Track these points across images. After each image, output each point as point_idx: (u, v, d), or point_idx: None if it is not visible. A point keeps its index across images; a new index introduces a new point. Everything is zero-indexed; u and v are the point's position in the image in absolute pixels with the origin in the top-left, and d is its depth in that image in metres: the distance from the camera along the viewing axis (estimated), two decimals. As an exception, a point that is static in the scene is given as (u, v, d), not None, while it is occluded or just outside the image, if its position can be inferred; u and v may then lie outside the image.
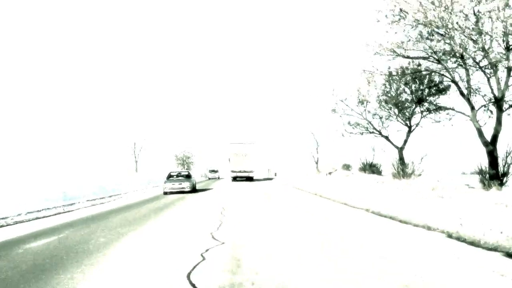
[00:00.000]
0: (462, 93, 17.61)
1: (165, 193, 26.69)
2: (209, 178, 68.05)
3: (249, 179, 47.25)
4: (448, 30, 15.54)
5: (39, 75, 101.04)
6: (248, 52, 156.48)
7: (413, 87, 24.93)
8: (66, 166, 53.50)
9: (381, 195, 19.27)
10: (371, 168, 35.56)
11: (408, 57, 18.26)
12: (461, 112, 18.97)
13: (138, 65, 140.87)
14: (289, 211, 15.12)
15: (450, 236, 9.23)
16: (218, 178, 68.56)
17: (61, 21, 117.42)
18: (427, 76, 23.46)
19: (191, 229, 10.60)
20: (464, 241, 8.61)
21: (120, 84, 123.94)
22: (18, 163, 50.80)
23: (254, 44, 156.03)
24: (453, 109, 20.41)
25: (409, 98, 25.85)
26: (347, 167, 43.96)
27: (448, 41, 16.47)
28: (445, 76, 19.00)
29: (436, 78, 23.96)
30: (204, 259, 7.02)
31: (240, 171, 46.51)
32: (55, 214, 16.64)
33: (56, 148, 63.52)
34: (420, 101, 24.37)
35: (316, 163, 52.10)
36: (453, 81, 17.72)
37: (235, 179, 47.63)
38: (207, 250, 7.71)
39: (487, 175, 17.21)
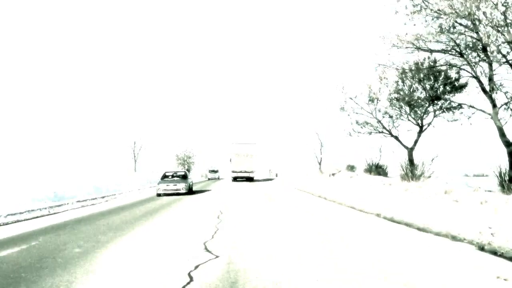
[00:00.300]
0: (484, 89, 16.29)
1: (159, 195, 24.70)
2: (209, 179, 66.44)
3: (249, 179, 47.33)
4: (473, 20, 14.27)
5: (37, 73, 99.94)
6: (252, 50, 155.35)
7: (427, 85, 23.53)
8: (62, 165, 52.20)
9: (391, 198, 17.97)
10: (377, 170, 34.24)
11: (428, 50, 16.95)
12: (481, 110, 17.59)
13: (140, 64, 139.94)
14: (293, 216, 13.78)
15: (482, 248, 7.89)
16: (218, 178, 67.01)
17: (60, 20, 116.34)
18: (443, 72, 22.13)
19: (181, 238, 9.23)
20: (501, 255, 7.27)
21: (121, 83, 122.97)
22: (11, 161, 49.51)
23: (258, 43, 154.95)
24: (472, 107, 18.93)
25: (423, 95, 24.53)
26: (351, 168, 42.65)
27: (471, 33, 15.22)
28: (466, 70, 17.68)
29: (453, 75, 22.63)
30: (191, 280, 5.67)
31: (241, 171, 46.52)
32: (39, 217, 15.30)
33: (53, 147, 62.28)
34: (436, 98, 22.95)
35: (319, 163, 50.74)
36: (475, 76, 16.38)
37: (235, 179, 47.63)
38: (196, 267, 6.35)
39: (507, 177, 15.91)
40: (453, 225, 9.99)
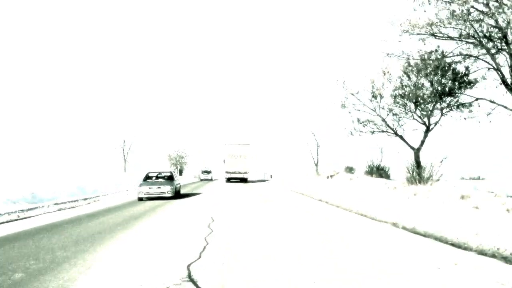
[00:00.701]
0: (504, 82, 14.47)
1: (140, 199, 21.63)
2: (201, 180, 63.90)
3: (243, 180, 47.21)
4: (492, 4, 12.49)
5: (22, 69, 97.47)
6: (245, 48, 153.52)
7: (435, 79, 21.69)
8: (46, 164, 49.93)
9: (402, 204, 16.14)
10: (379, 171, 32.52)
11: (444, 37, 15.12)
12: (503, 106, 15.75)
13: (133, 63, 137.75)
14: (296, 226, 11.83)
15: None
16: (211, 179, 64.58)
17: (52, 16, 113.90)
18: (455, 64, 20.29)
19: (160, 259, 7.20)
20: None
21: (113, 81, 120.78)
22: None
23: (251, 40, 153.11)
24: (493, 102, 16.97)
25: (428, 92, 22.72)
26: (350, 169, 40.94)
27: (488, 19, 13.44)
28: (484, 61, 15.85)
29: (461, 69, 20.86)
30: None
31: (234, 172, 46.20)
32: (3, 223, 13.27)
33: (39, 145, 59.90)
34: (448, 94, 21.11)
35: (316, 165, 48.89)
36: (495, 67, 14.57)
37: (229, 180, 47.34)
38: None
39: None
40: (493, 240, 8.15)
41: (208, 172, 66.04)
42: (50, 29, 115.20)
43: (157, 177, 24.31)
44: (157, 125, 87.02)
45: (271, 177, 68.75)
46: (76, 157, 61.09)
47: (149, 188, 21.79)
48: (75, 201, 22.20)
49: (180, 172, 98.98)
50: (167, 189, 21.81)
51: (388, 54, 17.62)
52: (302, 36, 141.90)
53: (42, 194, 23.21)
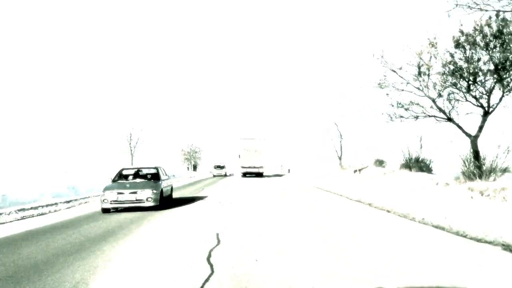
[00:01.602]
0: None
1: (105, 211, 14.31)
2: (214, 176, 58.90)
3: (259, 175, 46.80)
4: None
5: (25, 63, 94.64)
6: (260, 38, 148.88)
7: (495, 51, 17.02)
8: (45, 162, 46.28)
9: (480, 209, 11.62)
10: (418, 164, 27.79)
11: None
12: None
13: (146, 58, 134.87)
14: (343, 244, 7.42)
15: None
16: (225, 175, 59.61)
17: (59, 12, 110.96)
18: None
19: None
20: None
21: (125, 76, 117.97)
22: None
23: (266, 28, 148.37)
24: None
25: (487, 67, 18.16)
26: (380, 162, 36.14)
27: None
28: None
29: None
30: None
31: (250, 167, 45.89)
32: None
33: (42, 141, 56.34)
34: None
35: (340, 158, 44.38)
36: None
37: (245, 175, 46.97)
38: None
39: None
40: None
41: (222, 167, 61.22)
42: (59, 22, 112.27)
43: (135, 176, 16.41)
44: (171, 119, 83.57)
45: (289, 172, 64.49)
46: (81, 153, 57.43)
47: (118, 193, 14.17)
48: (54, 204, 18.12)
49: (194, 168, 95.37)
50: (146, 195, 14.23)
51: (457, 5, 13.09)
52: (322, 11, 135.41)
53: (19, 195, 19.43)
